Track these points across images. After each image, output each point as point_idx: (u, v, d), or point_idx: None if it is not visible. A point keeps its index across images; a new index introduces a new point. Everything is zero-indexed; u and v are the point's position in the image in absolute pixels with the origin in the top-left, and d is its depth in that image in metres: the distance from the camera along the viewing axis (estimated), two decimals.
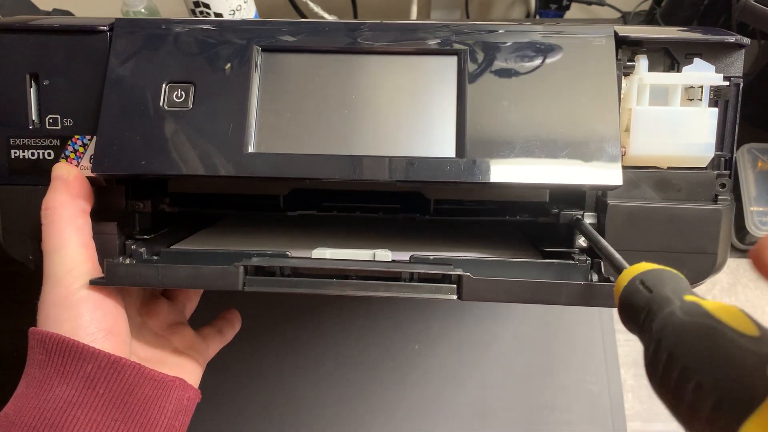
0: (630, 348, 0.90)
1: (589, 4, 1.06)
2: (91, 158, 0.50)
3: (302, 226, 0.62)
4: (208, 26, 0.50)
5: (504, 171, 0.46)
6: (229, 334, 0.65)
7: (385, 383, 0.84)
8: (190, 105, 0.48)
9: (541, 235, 0.58)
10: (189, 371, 0.55)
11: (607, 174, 0.45)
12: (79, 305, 0.47)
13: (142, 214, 0.54)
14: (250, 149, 0.47)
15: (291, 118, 0.48)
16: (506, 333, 0.86)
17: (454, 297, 0.46)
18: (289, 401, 0.83)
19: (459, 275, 0.45)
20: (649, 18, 1.00)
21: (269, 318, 0.86)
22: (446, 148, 0.47)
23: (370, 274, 0.47)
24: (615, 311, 0.89)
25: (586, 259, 0.50)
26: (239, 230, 0.62)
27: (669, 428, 0.87)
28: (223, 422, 0.82)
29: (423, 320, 0.87)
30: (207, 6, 0.83)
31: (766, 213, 0.90)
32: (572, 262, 0.50)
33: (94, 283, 0.48)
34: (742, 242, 0.93)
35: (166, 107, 0.48)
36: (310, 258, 0.49)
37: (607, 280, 0.47)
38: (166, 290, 0.63)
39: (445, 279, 0.47)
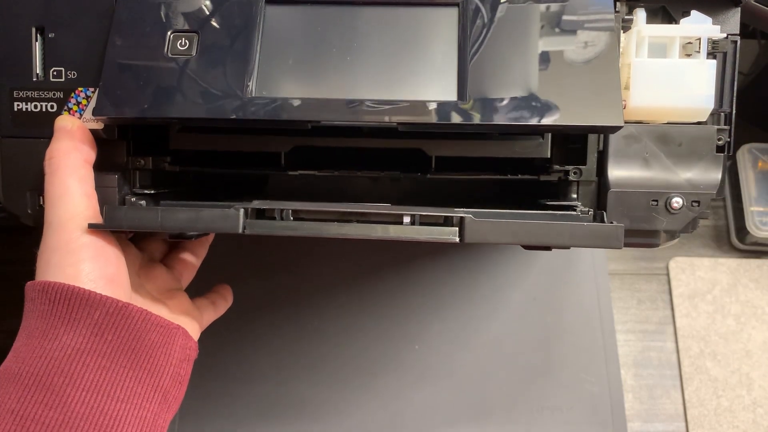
0: (630, 348, 0.89)
1: None
2: (94, 110, 0.50)
3: (304, 196, 0.62)
4: None
5: (505, 113, 0.46)
6: (221, 306, 0.65)
7: (385, 383, 0.83)
8: (194, 53, 0.49)
9: (544, 197, 0.58)
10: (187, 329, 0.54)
11: (608, 115, 0.45)
12: (80, 251, 0.47)
13: (143, 171, 0.54)
14: (252, 93, 0.47)
15: (292, 66, 0.48)
16: (506, 333, 0.86)
17: (456, 239, 0.45)
18: (289, 401, 0.82)
19: (461, 217, 0.45)
20: None
21: (269, 318, 0.85)
22: (448, 93, 0.47)
23: (372, 218, 0.47)
24: (615, 310, 0.90)
25: (589, 210, 0.50)
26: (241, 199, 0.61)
27: (669, 428, 0.86)
28: (223, 423, 0.81)
29: (423, 320, 0.86)
30: None
31: (766, 213, 0.90)
32: (575, 213, 0.50)
33: (93, 227, 0.47)
34: (743, 242, 0.93)
35: (169, 55, 0.49)
36: (312, 203, 0.49)
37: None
38: (165, 259, 0.63)
39: (447, 222, 0.46)
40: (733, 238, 0.94)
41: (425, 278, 0.88)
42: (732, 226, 0.94)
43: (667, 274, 0.93)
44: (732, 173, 0.93)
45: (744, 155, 0.92)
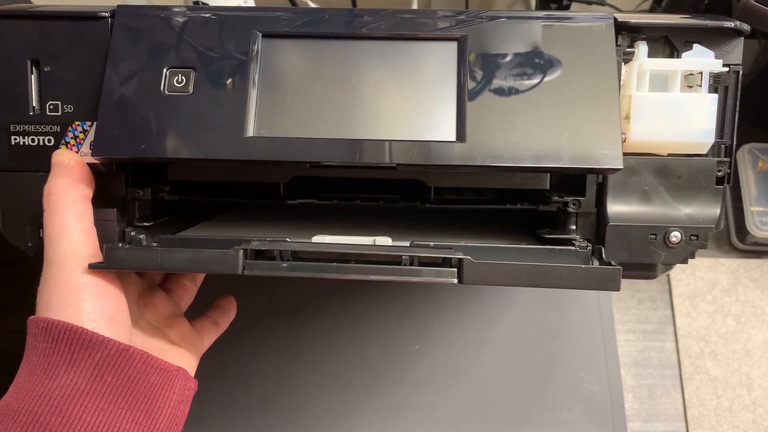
0: (630, 348, 0.90)
1: (590, 3, 1.06)
2: (91, 144, 0.50)
3: (303, 218, 0.62)
4: (209, 13, 0.50)
5: (504, 155, 0.46)
6: (224, 323, 0.65)
7: (385, 383, 0.84)
8: (191, 90, 0.48)
9: (542, 224, 0.58)
10: (185, 363, 0.55)
11: (607, 157, 0.45)
12: (81, 291, 0.47)
13: (142, 201, 0.54)
14: (250, 133, 0.47)
15: (291, 103, 0.48)
16: (506, 333, 0.86)
17: (455, 280, 0.45)
18: (290, 402, 0.83)
19: (459, 259, 0.45)
20: None
21: (269, 319, 0.86)
22: (447, 133, 0.47)
23: (371, 258, 0.47)
24: (615, 310, 0.90)
25: (587, 246, 0.50)
26: (239, 222, 0.61)
27: (669, 428, 0.86)
28: (223, 423, 0.82)
29: (423, 320, 0.87)
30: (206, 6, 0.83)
31: (766, 213, 0.90)
32: (573, 248, 0.50)
33: (93, 267, 0.47)
34: (743, 242, 0.93)
35: (166, 92, 0.48)
36: (311, 242, 0.49)
37: (608, 264, 0.46)
38: (164, 283, 0.63)
39: (445, 263, 0.46)
40: (733, 238, 0.94)
41: None
42: (732, 226, 0.94)
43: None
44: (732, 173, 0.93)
45: (744, 155, 0.92)
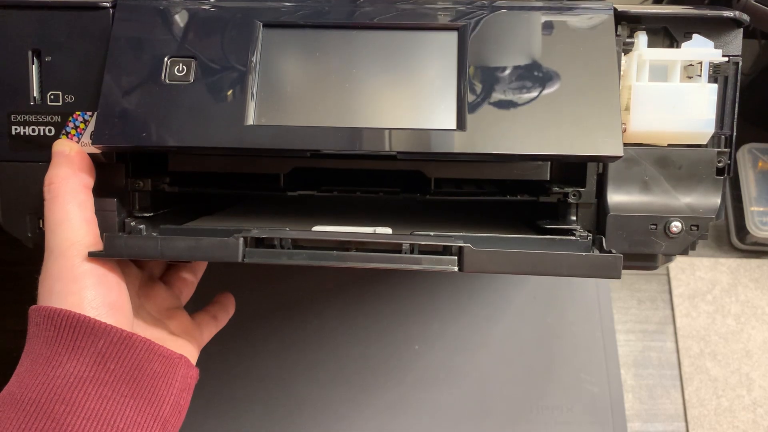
0: (630, 348, 0.90)
1: None
2: (91, 134, 0.50)
3: (303, 212, 0.62)
4: (210, 2, 0.50)
5: (504, 142, 0.46)
6: (223, 319, 0.65)
7: (385, 383, 0.84)
8: (191, 79, 0.48)
9: (542, 217, 0.58)
10: (186, 353, 0.55)
11: (607, 145, 0.45)
12: (82, 279, 0.47)
13: (142, 193, 0.54)
14: (250, 122, 0.47)
15: (291, 92, 0.48)
16: (506, 333, 0.86)
17: (455, 268, 0.45)
18: (290, 401, 0.83)
19: (460, 247, 0.45)
20: None
21: (270, 319, 0.86)
22: (447, 121, 0.47)
23: (371, 246, 0.47)
24: (615, 310, 0.90)
25: (588, 235, 0.50)
26: (240, 216, 0.61)
27: (669, 428, 0.86)
28: (224, 422, 0.82)
29: (423, 320, 0.87)
30: None
31: (766, 213, 0.90)
32: (573, 238, 0.50)
33: (93, 255, 0.47)
34: (743, 242, 0.93)
35: (167, 81, 0.48)
36: (311, 231, 0.49)
37: (609, 252, 0.46)
38: (164, 276, 0.63)
39: (446, 251, 0.46)
40: (733, 238, 0.94)
41: (425, 278, 0.88)
42: (732, 226, 0.94)
43: (667, 274, 0.93)
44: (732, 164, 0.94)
45: (744, 155, 0.92)
